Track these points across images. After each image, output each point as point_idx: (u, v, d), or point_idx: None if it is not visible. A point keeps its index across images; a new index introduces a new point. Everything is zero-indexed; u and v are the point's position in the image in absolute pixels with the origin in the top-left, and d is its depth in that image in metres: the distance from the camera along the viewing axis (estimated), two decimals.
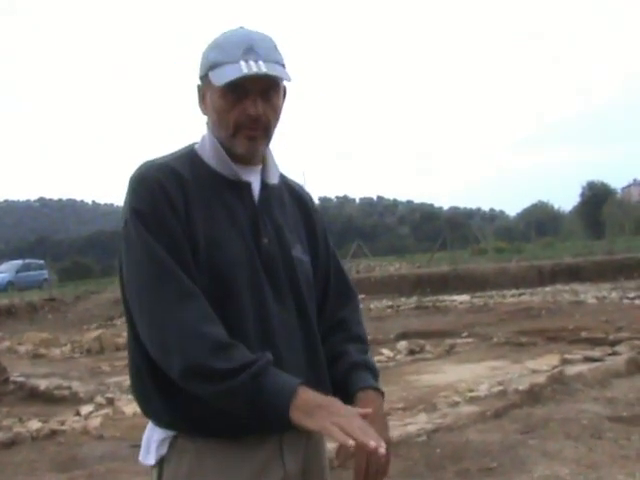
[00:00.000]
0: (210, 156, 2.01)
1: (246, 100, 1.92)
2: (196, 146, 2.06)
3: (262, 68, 1.87)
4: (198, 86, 2.03)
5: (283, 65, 1.96)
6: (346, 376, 2.08)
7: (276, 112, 1.98)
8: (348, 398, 2.01)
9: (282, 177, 2.17)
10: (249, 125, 1.94)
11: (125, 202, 1.93)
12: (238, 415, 1.85)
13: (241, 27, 1.99)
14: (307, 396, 1.77)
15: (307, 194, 2.27)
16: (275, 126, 2.00)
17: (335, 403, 1.79)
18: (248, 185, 2.02)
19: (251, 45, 1.90)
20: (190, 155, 2.03)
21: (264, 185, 2.06)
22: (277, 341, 1.94)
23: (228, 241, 1.94)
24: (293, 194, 2.20)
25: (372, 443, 1.68)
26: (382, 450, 1.69)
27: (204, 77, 1.98)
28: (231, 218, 1.97)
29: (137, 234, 1.87)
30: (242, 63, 1.87)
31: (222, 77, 1.89)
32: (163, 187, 1.89)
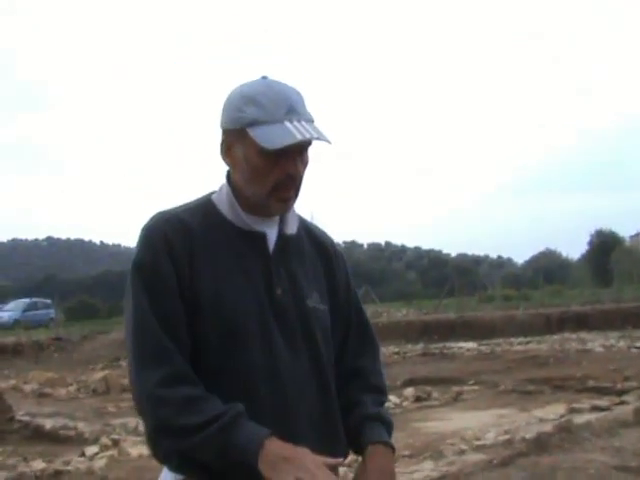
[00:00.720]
0: (225, 207, 2.02)
1: (285, 159, 1.91)
2: (213, 196, 2.07)
3: (313, 133, 1.88)
4: (222, 138, 2.00)
5: (313, 120, 1.96)
6: (359, 428, 2.07)
7: (306, 167, 1.99)
8: (359, 450, 2.03)
9: (303, 223, 2.17)
10: (287, 184, 1.94)
11: (134, 253, 1.99)
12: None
13: (264, 77, 1.98)
14: (274, 448, 1.77)
15: (329, 240, 2.25)
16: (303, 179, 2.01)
17: (302, 455, 1.78)
18: (263, 236, 2.02)
19: (292, 105, 1.91)
20: (205, 205, 2.04)
21: (281, 235, 2.06)
22: (288, 392, 1.94)
23: (237, 292, 1.95)
24: (314, 241, 2.19)
25: None
26: None
27: (235, 130, 1.94)
28: (242, 269, 1.98)
29: (132, 288, 1.93)
30: (288, 124, 1.87)
31: (272, 140, 1.87)
32: (168, 241, 1.92)
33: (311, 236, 2.19)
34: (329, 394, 2.07)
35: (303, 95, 1.99)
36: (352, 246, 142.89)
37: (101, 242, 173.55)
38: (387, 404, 2.18)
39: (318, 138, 1.89)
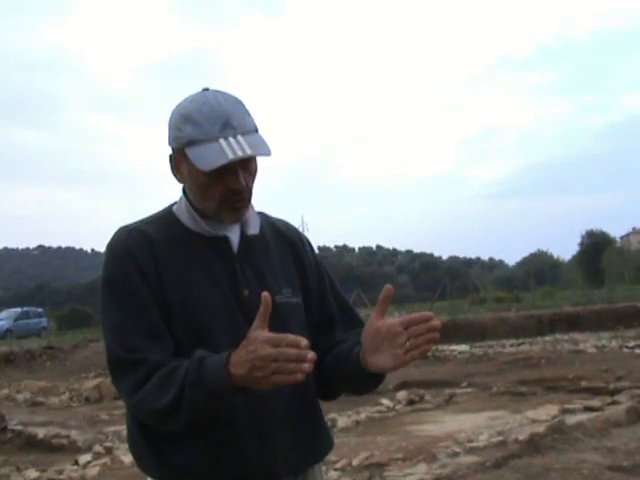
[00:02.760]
0: (185, 217, 2.05)
1: (228, 175, 1.92)
2: (174, 207, 2.09)
3: (246, 149, 1.87)
4: (170, 155, 2.02)
5: (256, 129, 1.96)
6: (349, 350, 2.05)
7: (254, 175, 2.00)
8: (356, 362, 1.99)
9: (266, 219, 2.19)
10: (233, 197, 1.96)
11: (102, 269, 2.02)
12: (226, 463, 1.92)
13: (206, 89, 1.99)
14: (235, 371, 1.76)
15: (293, 230, 2.27)
16: (253, 186, 2.01)
17: (251, 346, 1.75)
18: (225, 239, 2.04)
19: (227, 119, 1.90)
20: (167, 217, 2.08)
21: (244, 236, 2.08)
22: (263, 394, 1.92)
23: (205, 297, 1.97)
24: (278, 235, 2.19)
25: (304, 341, 1.71)
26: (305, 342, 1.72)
27: (178, 149, 1.97)
28: (208, 274, 2.00)
29: (103, 305, 1.98)
30: (223, 142, 1.87)
31: (206, 161, 1.87)
32: (132, 254, 1.96)
33: (275, 231, 2.20)
34: (307, 392, 2.08)
35: (243, 103, 1.98)
36: (343, 250, 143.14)
37: (92, 250, 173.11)
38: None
39: (251, 155, 1.89)
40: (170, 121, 1.99)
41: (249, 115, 1.97)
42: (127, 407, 2.03)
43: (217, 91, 1.98)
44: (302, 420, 2.04)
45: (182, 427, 1.88)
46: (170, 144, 2.00)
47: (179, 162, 1.99)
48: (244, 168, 1.94)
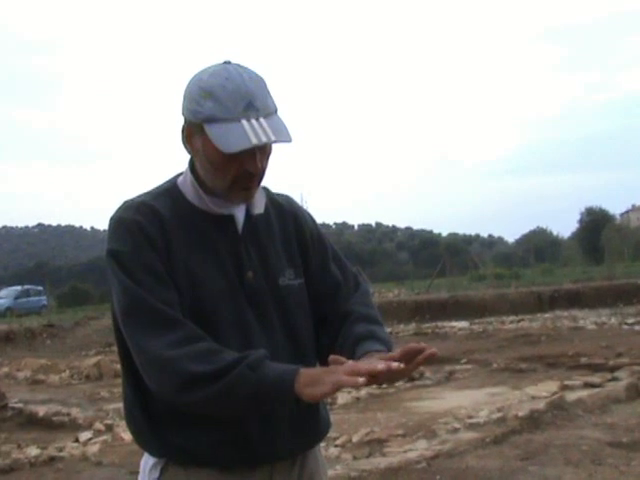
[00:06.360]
0: (191, 193, 2.00)
1: (245, 156, 1.86)
2: (179, 180, 2.04)
3: (270, 135, 1.81)
4: (183, 126, 1.95)
5: (276, 110, 1.90)
6: (350, 352, 2.01)
7: (269, 157, 1.94)
8: None
9: (268, 195, 2.14)
10: (247, 179, 1.91)
11: (107, 243, 1.94)
12: (227, 444, 1.89)
13: (227, 63, 1.91)
14: (308, 371, 1.78)
15: (294, 204, 2.23)
16: (267, 167, 1.96)
17: (334, 368, 1.80)
18: (231, 218, 2.00)
19: (250, 100, 1.83)
20: (172, 191, 2.02)
21: (249, 216, 2.04)
22: None
23: (210, 278, 1.93)
24: (281, 211, 2.15)
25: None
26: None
27: (194, 123, 1.90)
28: (213, 254, 1.96)
29: (113, 273, 1.90)
30: (245, 124, 1.81)
31: (227, 142, 1.82)
32: (142, 228, 1.90)
33: (277, 208, 2.15)
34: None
35: (265, 82, 1.92)
36: (343, 227, 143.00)
37: (92, 228, 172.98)
38: None
39: (274, 141, 1.84)
40: (187, 93, 1.92)
41: (270, 95, 1.91)
42: (127, 377, 1.98)
43: (240, 66, 1.91)
44: (303, 403, 2.02)
45: (197, 407, 1.83)
46: (184, 115, 1.94)
47: (192, 134, 1.93)
48: (261, 150, 1.89)
